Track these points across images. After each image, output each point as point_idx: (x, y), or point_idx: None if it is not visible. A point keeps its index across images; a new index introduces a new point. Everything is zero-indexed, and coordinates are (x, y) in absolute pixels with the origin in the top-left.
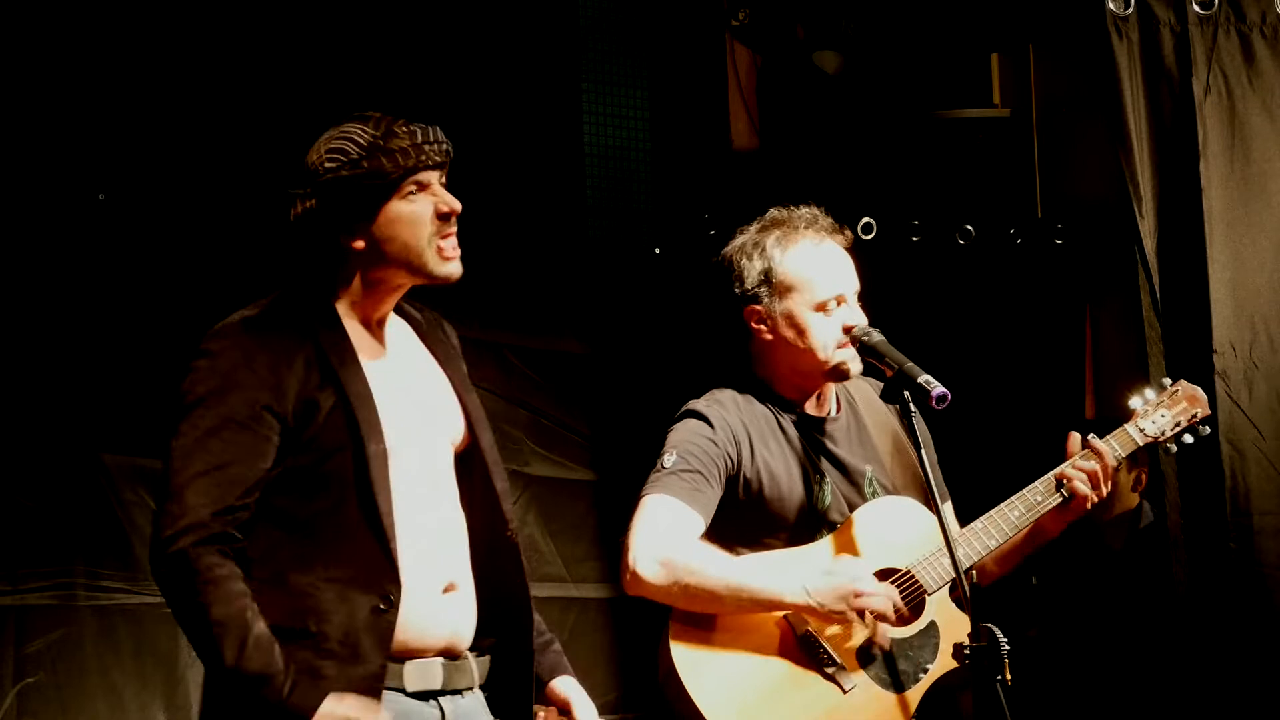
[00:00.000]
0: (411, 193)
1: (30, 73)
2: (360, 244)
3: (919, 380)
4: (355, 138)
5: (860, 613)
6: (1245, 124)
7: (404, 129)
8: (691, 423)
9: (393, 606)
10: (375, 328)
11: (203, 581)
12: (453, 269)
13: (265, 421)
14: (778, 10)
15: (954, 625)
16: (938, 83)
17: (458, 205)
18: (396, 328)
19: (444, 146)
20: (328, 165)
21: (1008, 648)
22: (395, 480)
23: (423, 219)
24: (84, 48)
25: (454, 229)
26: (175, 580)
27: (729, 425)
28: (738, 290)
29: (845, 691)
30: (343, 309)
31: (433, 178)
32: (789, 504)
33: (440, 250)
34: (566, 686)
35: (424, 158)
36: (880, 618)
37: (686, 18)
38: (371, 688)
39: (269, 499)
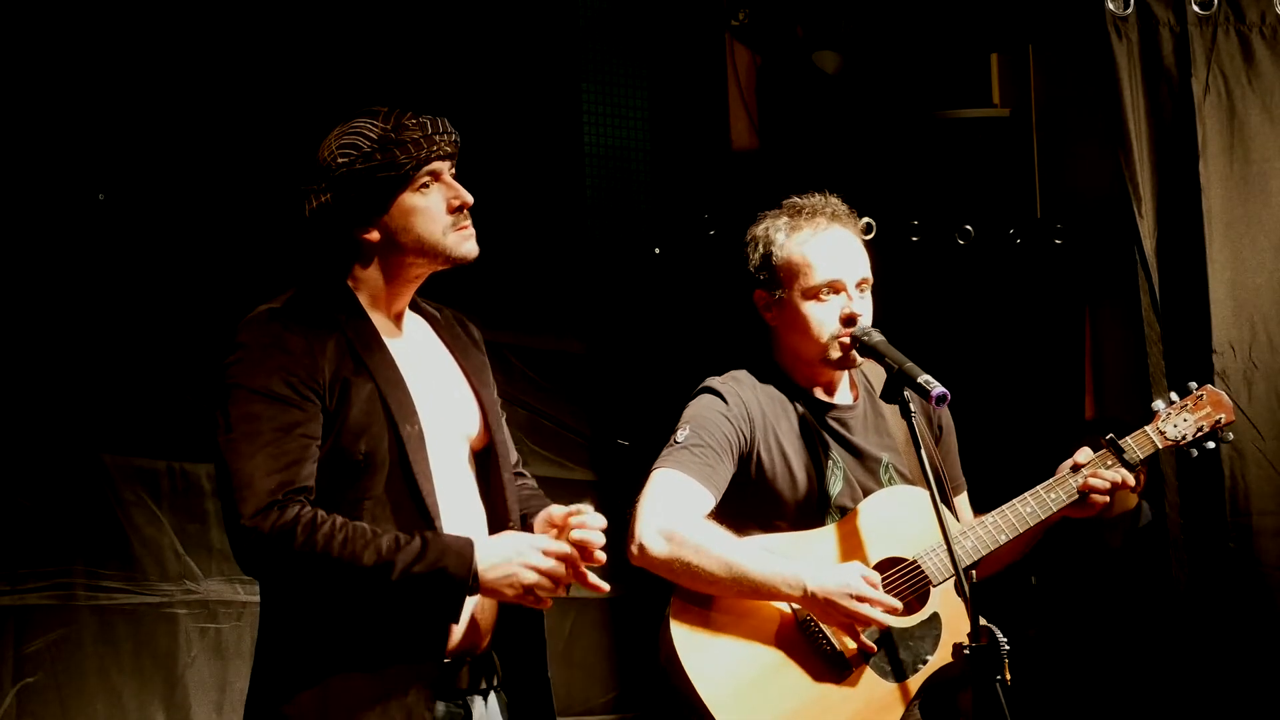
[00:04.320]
0: (425, 184)
1: (30, 72)
2: (375, 236)
3: (919, 380)
4: (366, 132)
5: (853, 618)
6: (1245, 124)
7: (413, 121)
8: (707, 398)
9: None
10: (394, 321)
11: (301, 530)
12: (470, 248)
13: (307, 397)
14: (778, 10)
15: (957, 618)
16: (938, 83)
17: (469, 198)
18: (414, 324)
19: (453, 136)
20: (340, 160)
21: (1008, 648)
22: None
23: (437, 211)
24: (84, 48)
25: (468, 220)
26: (270, 548)
27: (744, 404)
28: (747, 274)
29: (842, 677)
30: (363, 301)
31: (444, 167)
32: (798, 487)
33: (458, 231)
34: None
35: (435, 149)
36: (873, 624)
37: (686, 18)
38: (434, 667)
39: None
